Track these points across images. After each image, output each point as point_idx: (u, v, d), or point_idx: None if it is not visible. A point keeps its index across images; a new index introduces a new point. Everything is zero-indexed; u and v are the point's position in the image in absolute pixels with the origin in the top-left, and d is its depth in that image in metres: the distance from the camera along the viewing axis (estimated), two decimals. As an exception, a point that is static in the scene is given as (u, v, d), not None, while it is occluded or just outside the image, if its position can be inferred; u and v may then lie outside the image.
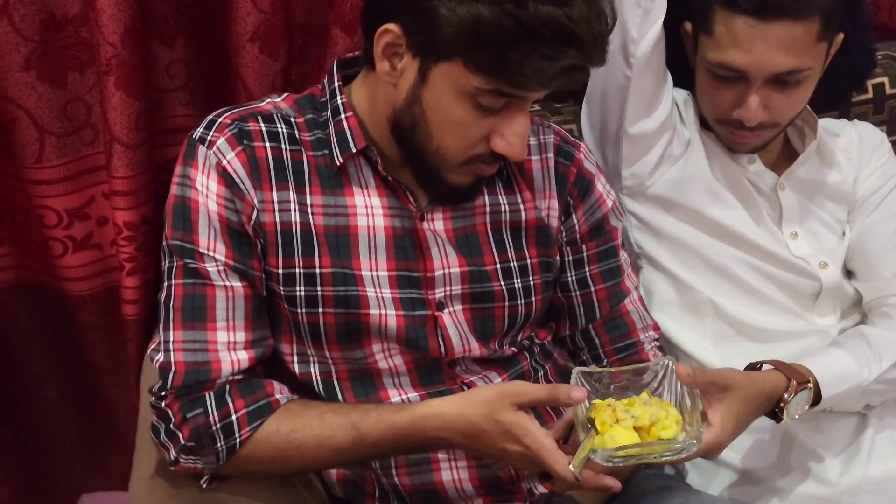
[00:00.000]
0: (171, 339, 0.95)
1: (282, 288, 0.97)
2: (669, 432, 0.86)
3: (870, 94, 1.39)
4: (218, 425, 0.93)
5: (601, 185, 1.12)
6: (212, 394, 0.94)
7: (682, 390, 0.92)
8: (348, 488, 1.05)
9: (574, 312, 1.13)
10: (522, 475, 1.04)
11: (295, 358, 1.02)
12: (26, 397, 1.36)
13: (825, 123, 1.27)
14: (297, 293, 0.97)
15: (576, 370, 0.95)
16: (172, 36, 1.16)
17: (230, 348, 0.95)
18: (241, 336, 0.96)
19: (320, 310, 0.98)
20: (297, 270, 0.97)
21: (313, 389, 1.02)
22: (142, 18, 1.08)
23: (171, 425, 0.94)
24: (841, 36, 1.15)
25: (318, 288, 0.97)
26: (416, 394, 1.01)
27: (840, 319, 1.23)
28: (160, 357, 0.96)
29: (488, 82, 0.87)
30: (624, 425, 0.86)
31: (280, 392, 0.96)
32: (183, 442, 0.94)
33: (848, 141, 1.28)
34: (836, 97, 1.35)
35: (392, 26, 0.88)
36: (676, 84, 1.24)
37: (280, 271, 0.97)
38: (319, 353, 1.00)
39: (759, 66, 1.08)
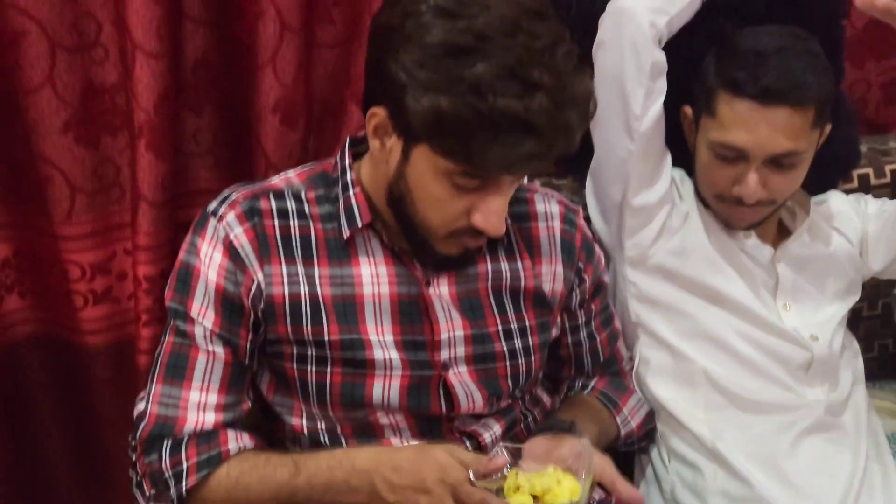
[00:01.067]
0: (152, 392, 1.02)
1: (294, 348, 1.02)
2: (559, 499, 0.93)
3: (855, 184, 1.46)
4: (169, 472, 0.98)
5: (597, 247, 1.20)
6: (168, 442, 1.00)
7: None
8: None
9: (581, 361, 1.23)
10: None
11: (304, 415, 1.07)
12: (37, 449, 1.39)
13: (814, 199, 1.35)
14: (309, 353, 1.02)
15: (499, 444, 1.01)
16: (201, 105, 1.25)
17: (199, 408, 1.01)
18: (212, 398, 1.01)
19: (328, 369, 1.03)
20: (307, 338, 1.02)
21: (319, 441, 1.06)
22: (174, 88, 1.17)
23: (139, 476, 1.01)
24: (829, 126, 1.24)
25: (328, 351, 1.02)
26: (416, 441, 1.06)
27: (829, 393, 1.27)
28: (140, 406, 1.03)
29: (456, 165, 0.91)
30: (521, 492, 0.94)
31: (236, 441, 1.01)
32: (147, 492, 1.00)
33: (839, 202, 1.35)
34: (824, 184, 1.41)
35: (378, 109, 0.94)
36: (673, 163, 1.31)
37: (291, 337, 1.02)
38: (324, 413, 1.05)
39: (760, 147, 1.15)
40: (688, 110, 1.27)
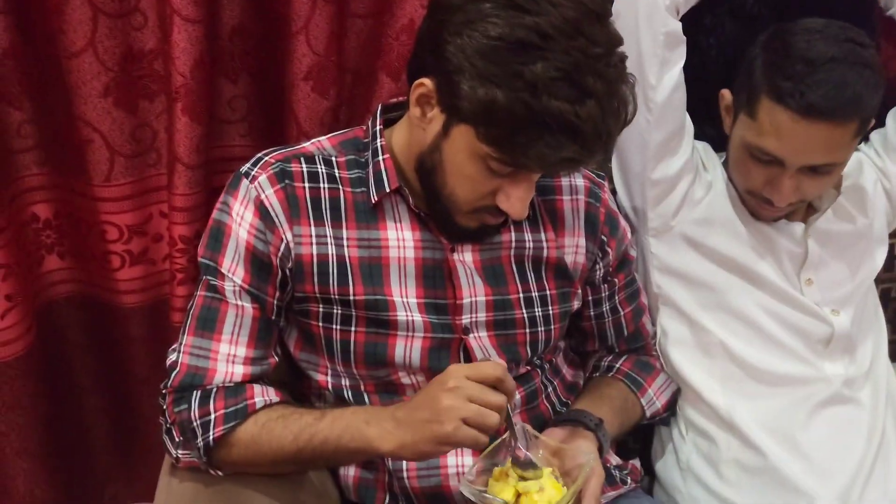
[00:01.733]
0: (184, 342, 1.05)
1: (321, 306, 1.06)
2: None
3: None
4: (198, 421, 1.01)
5: (622, 220, 1.21)
6: (198, 393, 1.03)
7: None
8: (361, 492, 1.11)
9: (605, 334, 1.25)
10: None
11: (329, 373, 1.10)
12: (72, 405, 1.44)
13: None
14: (334, 311, 1.06)
15: (522, 425, 1.03)
16: (237, 72, 1.28)
17: (228, 360, 1.04)
18: (241, 351, 1.05)
19: (353, 329, 1.06)
20: (333, 296, 1.05)
21: (344, 398, 1.09)
22: (210, 55, 1.20)
23: (168, 423, 1.05)
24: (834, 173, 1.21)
25: (352, 310, 1.05)
26: None
27: (847, 367, 1.28)
28: (172, 357, 1.06)
29: (495, 153, 0.94)
30: (506, 483, 0.97)
31: (262, 395, 1.04)
32: (177, 438, 1.04)
33: (867, 180, 1.33)
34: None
35: (426, 81, 0.96)
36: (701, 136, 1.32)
37: (318, 295, 1.05)
38: (348, 371, 1.09)
39: (796, 158, 1.14)
40: (727, 94, 1.25)
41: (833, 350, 1.27)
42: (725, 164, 1.32)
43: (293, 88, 1.25)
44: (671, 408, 1.29)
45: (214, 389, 1.03)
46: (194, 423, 1.01)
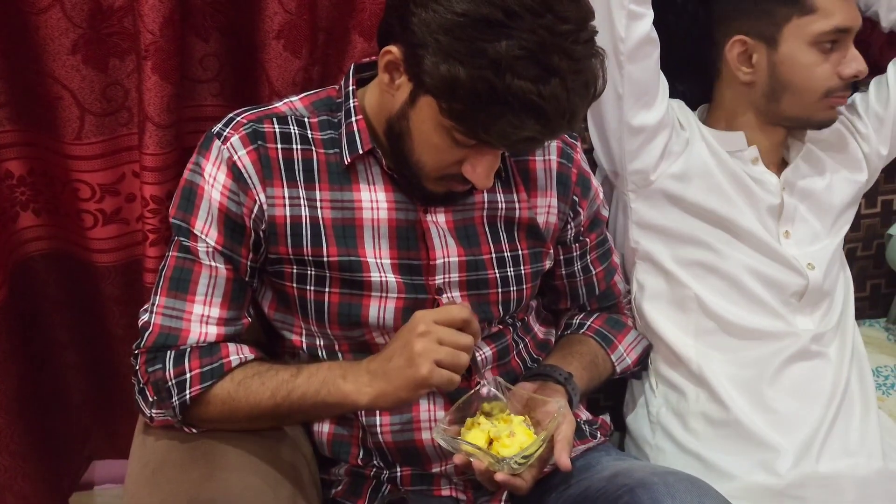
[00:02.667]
0: (156, 303, 1.06)
1: (294, 267, 1.06)
2: (506, 451, 0.98)
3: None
4: (173, 381, 1.03)
5: (594, 180, 1.22)
6: (172, 353, 1.04)
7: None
8: (335, 448, 1.13)
9: (577, 293, 1.27)
10: None
11: (303, 333, 1.11)
12: (49, 361, 1.45)
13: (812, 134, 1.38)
14: (308, 272, 1.06)
15: (495, 378, 1.08)
16: (208, 31, 1.26)
17: (202, 321, 1.05)
18: (215, 312, 1.05)
19: (327, 289, 1.07)
20: (307, 258, 1.06)
21: (318, 356, 1.11)
22: (180, 12, 1.19)
23: (141, 383, 1.05)
24: None
25: (326, 271, 1.06)
26: None
27: (818, 322, 1.31)
28: (144, 317, 1.07)
29: (457, 128, 0.94)
30: (478, 430, 1.00)
31: (237, 353, 1.05)
32: (150, 398, 1.04)
33: (836, 126, 1.38)
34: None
35: (394, 49, 0.96)
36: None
37: (292, 256, 1.06)
38: (322, 331, 1.10)
39: (856, 21, 1.27)
40: (742, 38, 1.29)
41: (805, 304, 1.31)
42: (703, 120, 1.35)
43: (265, 47, 1.25)
44: (642, 363, 1.32)
45: (188, 349, 1.04)
46: (169, 383, 1.03)
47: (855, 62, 1.26)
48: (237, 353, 1.05)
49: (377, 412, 1.10)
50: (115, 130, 1.29)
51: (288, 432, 1.12)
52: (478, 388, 1.05)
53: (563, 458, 1.01)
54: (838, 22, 1.25)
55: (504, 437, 0.99)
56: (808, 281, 1.30)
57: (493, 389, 1.05)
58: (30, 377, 1.40)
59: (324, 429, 1.14)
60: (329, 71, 1.32)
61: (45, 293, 1.41)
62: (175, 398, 1.02)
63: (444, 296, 1.10)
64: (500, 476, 0.98)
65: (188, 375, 1.02)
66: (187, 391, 1.02)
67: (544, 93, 0.88)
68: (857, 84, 1.44)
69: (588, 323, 1.28)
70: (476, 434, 1.01)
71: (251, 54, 1.27)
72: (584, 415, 1.25)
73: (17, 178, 1.31)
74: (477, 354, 1.13)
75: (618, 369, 1.27)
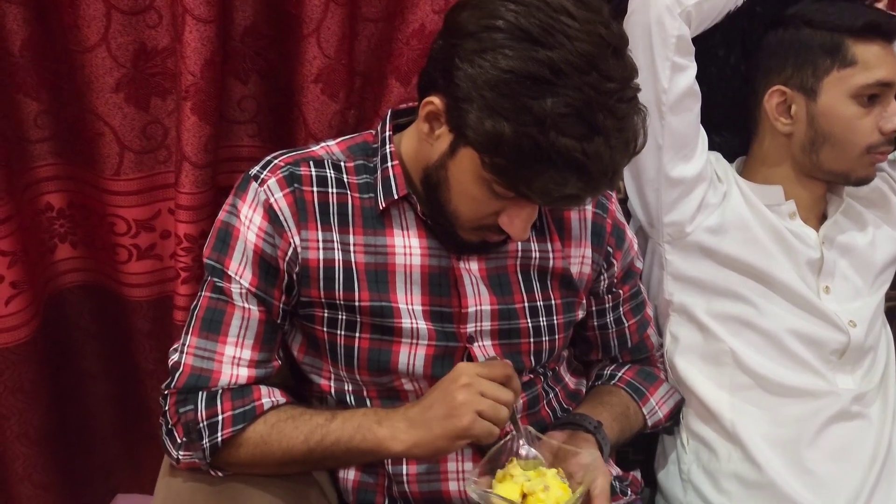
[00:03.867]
0: (187, 343, 1.05)
1: (325, 311, 1.06)
2: None
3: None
4: (205, 422, 1.01)
5: (629, 231, 1.21)
6: (204, 394, 1.03)
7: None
8: (360, 495, 1.12)
9: (608, 345, 1.25)
10: None
11: (332, 377, 1.11)
12: (78, 392, 1.46)
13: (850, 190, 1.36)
14: (339, 317, 1.06)
15: (526, 427, 1.05)
16: (247, 73, 1.29)
17: (234, 363, 1.04)
18: (246, 354, 1.05)
19: (357, 335, 1.06)
20: (339, 302, 1.05)
21: (346, 402, 1.10)
22: (221, 55, 1.21)
23: (170, 424, 1.04)
24: None
25: (357, 316, 1.06)
26: None
27: (859, 381, 1.27)
28: (175, 357, 1.06)
29: (499, 182, 0.93)
30: (510, 482, 0.98)
31: (269, 396, 1.04)
32: (179, 440, 1.03)
33: (878, 182, 1.35)
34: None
35: (436, 100, 0.95)
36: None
37: (323, 300, 1.06)
38: (351, 376, 1.09)
39: None
40: (781, 88, 1.28)
41: (846, 362, 1.27)
42: (741, 172, 1.34)
43: (303, 90, 1.26)
44: (674, 417, 1.29)
45: (220, 391, 1.04)
46: (201, 425, 1.01)
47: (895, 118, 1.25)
48: (269, 395, 1.04)
49: (404, 461, 1.08)
50: (153, 168, 1.31)
51: (313, 478, 1.11)
52: (507, 438, 1.03)
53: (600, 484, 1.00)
54: (880, 76, 1.23)
55: (539, 492, 0.97)
56: (850, 338, 1.26)
57: (524, 443, 1.03)
58: (57, 408, 1.42)
59: (349, 475, 1.12)
60: (365, 115, 1.34)
61: (78, 324, 1.43)
62: (206, 440, 1.01)
63: (476, 344, 1.09)
64: None
65: (220, 418, 1.01)
66: (219, 433, 1.01)
67: (588, 151, 0.87)
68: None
69: (620, 374, 1.26)
70: (509, 487, 0.98)
71: (289, 97, 1.29)
72: (615, 470, 1.22)
73: (56, 210, 1.34)
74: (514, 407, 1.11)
75: (649, 423, 1.24)
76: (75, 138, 1.29)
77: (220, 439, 1.01)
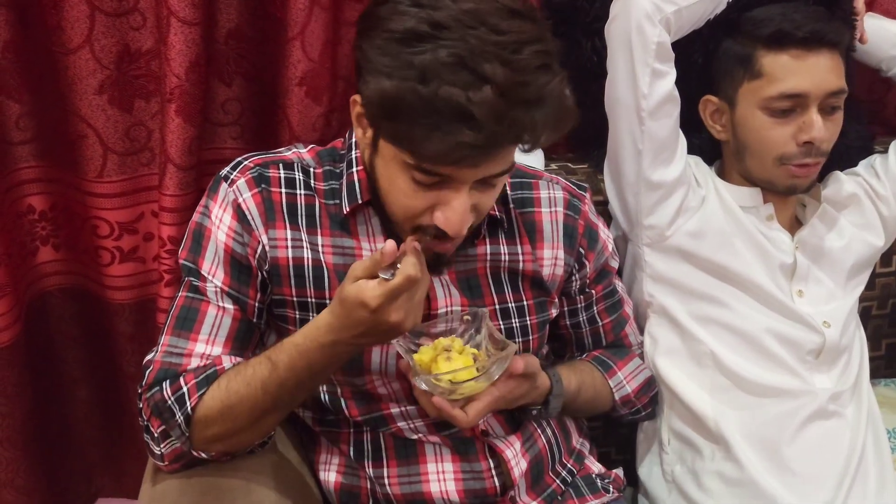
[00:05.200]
0: (161, 342, 1.05)
1: (297, 313, 1.06)
2: (438, 369, 0.99)
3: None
4: (172, 398, 1.00)
5: (603, 231, 1.21)
6: (169, 378, 1.02)
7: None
8: (343, 497, 1.12)
9: (583, 342, 1.26)
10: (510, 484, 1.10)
11: None
12: (59, 396, 1.45)
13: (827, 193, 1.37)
14: (311, 318, 1.04)
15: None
16: (231, 76, 1.29)
17: (203, 358, 1.03)
18: (217, 350, 1.04)
19: None
20: (310, 300, 1.06)
21: (321, 400, 1.10)
22: (206, 57, 1.21)
23: (145, 420, 1.03)
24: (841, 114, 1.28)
25: None
26: (414, 407, 1.09)
27: (835, 381, 1.29)
28: (149, 356, 1.05)
29: (404, 154, 0.92)
30: (429, 346, 1.01)
31: (230, 361, 1.02)
32: (156, 432, 1.02)
33: (849, 186, 1.38)
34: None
35: (357, 97, 0.97)
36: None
37: (295, 299, 1.06)
38: None
39: (818, 86, 1.22)
40: (711, 98, 1.31)
41: (822, 362, 1.29)
42: (720, 174, 1.35)
43: (287, 93, 1.27)
44: (645, 396, 1.28)
45: (184, 373, 1.02)
46: (169, 401, 1.00)
47: (811, 129, 1.22)
48: (230, 361, 1.03)
49: (384, 463, 1.09)
50: (136, 170, 1.31)
51: (298, 481, 1.11)
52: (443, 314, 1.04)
53: (516, 363, 1.02)
54: (786, 88, 1.22)
55: (441, 359, 0.98)
56: (825, 338, 1.28)
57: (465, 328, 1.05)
58: (39, 411, 1.41)
59: (330, 478, 1.13)
60: (347, 119, 1.32)
61: (60, 328, 1.42)
62: (178, 415, 1.00)
63: None
64: (436, 399, 0.98)
65: (185, 389, 1.00)
66: (187, 403, 0.99)
67: (474, 98, 0.85)
68: (869, 147, 1.44)
69: (589, 353, 1.26)
70: (424, 350, 1.00)
71: (273, 100, 1.29)
72: (596, 468, 1.23)
73: (38, 212, 1.33)
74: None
75: (616, 396, 1.23)
76: (58, 140, 1.29)
77: (189, 408, 0.99)
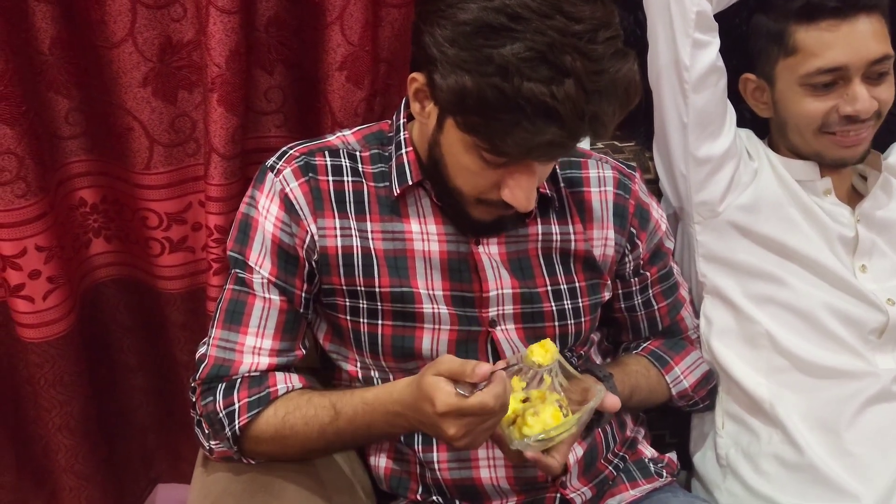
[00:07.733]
0: (212, 336, 1.07)
1: (347, 300, 1.06)
2: (529, 430, 0.94)
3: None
4: (223, 412, 1.03)
5: (655, 211, 1.19)
6: (223, 385, 1.04)
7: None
8: (393, 482, 1.12)
9: (638, 327, 1.23)
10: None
11: (358, 364, 1.11)
12: (116, 384, 1.48)
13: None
14: (361, 305, 1.06)
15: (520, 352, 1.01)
16: (272, 64, 1.29)
17: (254, 352, 1.05)
18: (267, 343, 1.06)
19: (380, 322, 1.06)
20: (360, 288, 1.06)
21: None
22: (246, 45, 1.21)
23: (198, 416, 1.06)
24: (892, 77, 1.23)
25: (379, 303, 1.06)
26: None
27: None
28: (201, 350, 1.08)
29: (478, 142, 0.92)
30: (513, 396, 0.95)
31: (285, 382, 1.04)
32: (206, 430, 1.05)
33: None
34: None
35: (418, 75, 0.96)
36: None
37: (344, 287, 1.06)
38: (376, 363, 1.09)
39: (858, 56, 1.17)
40: (750, 76, 1.27)
41: (886, 342, 1.24)
42: (772, 147, 1.31)
43: (328, 79, 1.26)
44: (703, 389, 1.26)
45: (239, 380, 1.05)
46: (220, 414, 1.03)
47: (855, 102, 1.18)
48: (285, 381, 1.05)
49: (434, 447, 1.09)
50: (182, 161, 1.32)
51: (347, 467, 1.12)
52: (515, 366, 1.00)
53: (612, 404, 0.99)
54: (823, 63, 1.18)
55: (529, 414, 0.96)
56: (889, 317, 1.23)
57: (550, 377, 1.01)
58: (96, 399, 1.44)
59: (381, 463, 1.13)
60: (390, 101, 1.33)
61: (114, 318, 1.45)
62: (227, 429, 1.03)
63: (499, 328, 1.08)
64: (530, 456, 0.96)
65: (237, 406, 1.03)
66: (236, 421, 1.02)
67: (558, 94, 0.84)
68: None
69: (644, 345, 1.24)
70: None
71: (314, 86, 1.29)
72: (649, 452, 1.21)
73: (90, 205, 1.36)
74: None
75: (674, 391, 1.22)
76: (105, 134, 1.31)
77: (237, 426, 1.02)
